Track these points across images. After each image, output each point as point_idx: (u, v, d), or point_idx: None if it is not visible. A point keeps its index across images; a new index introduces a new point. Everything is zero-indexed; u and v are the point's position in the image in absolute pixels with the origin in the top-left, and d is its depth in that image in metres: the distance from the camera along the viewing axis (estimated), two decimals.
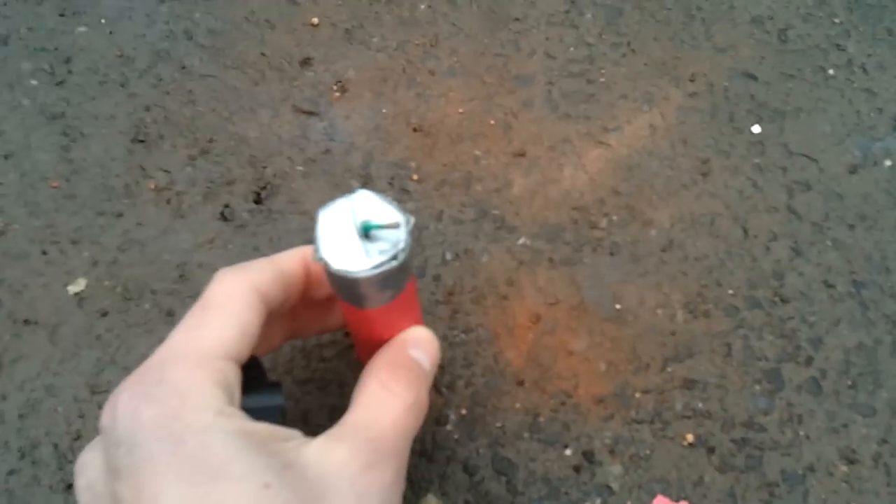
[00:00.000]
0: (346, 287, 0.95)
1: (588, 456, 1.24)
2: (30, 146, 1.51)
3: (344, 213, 0.93)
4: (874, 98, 1.57)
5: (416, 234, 1.36)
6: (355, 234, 0.91)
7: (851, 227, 1.43)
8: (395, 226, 0.91)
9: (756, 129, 1.54)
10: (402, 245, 0.91)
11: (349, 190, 1.14)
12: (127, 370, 1.21)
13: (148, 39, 1.64)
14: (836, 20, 1.68)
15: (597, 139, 1.52)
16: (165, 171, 1.48)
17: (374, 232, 0.92)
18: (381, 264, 0.90)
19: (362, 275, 0.90)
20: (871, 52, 1.63)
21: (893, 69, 1.61)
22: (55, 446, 1.25)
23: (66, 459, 1.24)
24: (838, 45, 1.64)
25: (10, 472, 1.23)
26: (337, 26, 1.65)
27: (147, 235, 1.41)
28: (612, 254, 1.40)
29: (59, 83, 1.58)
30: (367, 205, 0.94)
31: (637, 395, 1.29)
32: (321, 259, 0.90)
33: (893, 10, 1.69)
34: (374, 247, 0.91)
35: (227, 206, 1.44)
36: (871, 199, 1.46)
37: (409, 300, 1.08)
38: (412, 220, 0.93)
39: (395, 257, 0.91)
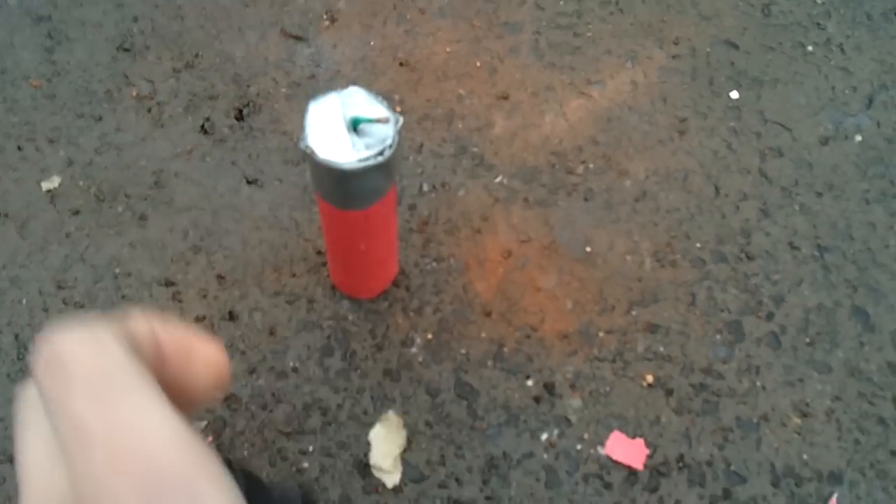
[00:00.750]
0: (329, 181, 0.96)
1: (549, 388, 1.26)
2: (13, 45, 1.49)
3: (334, 107, 0.94)
4: (849, 77, 1.61)
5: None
6: (344, 127, 0.92)
7: (819, 194, 1.46)
8: (384, 121, 0.92)
9: (734, 94, 1.57)
10: (389, 141, 0.92)
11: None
12: (94, 268, 1.22)
13: None
14: (819, 0, 1.71)
15: (579, 90, 1.54)
16: (149, 80, 1.47)
17: (362, 126, 0.93)
18: (368, 158, 0.91)
19: (348, 166, 0.90)
20: (849, 33, 1.67)
21: (870, 51, 1.65)
22: (16, 336, 1.24)
23: (26, 350, 1.23)
24: (818, 24, 1.68)
25: None
26: None
27: (125, 141, 1.41)
28: (586, 199, 1.42)
29: None
30: (357, 101, 0.94)
31: (601, 334, 1.31)
32: (308, 147, 0.90)
33: None
34: (361, 141, 0.92)
35: (208, 119, 1.43)
36: (839, 170, 1.49)
37: (389, 211, 1.09)
38: (401, 119, 0.94)
39: (381, 153, 0.91)
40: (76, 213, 1.33)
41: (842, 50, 1.65)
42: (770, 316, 1.34)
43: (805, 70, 1.61)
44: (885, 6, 1.71)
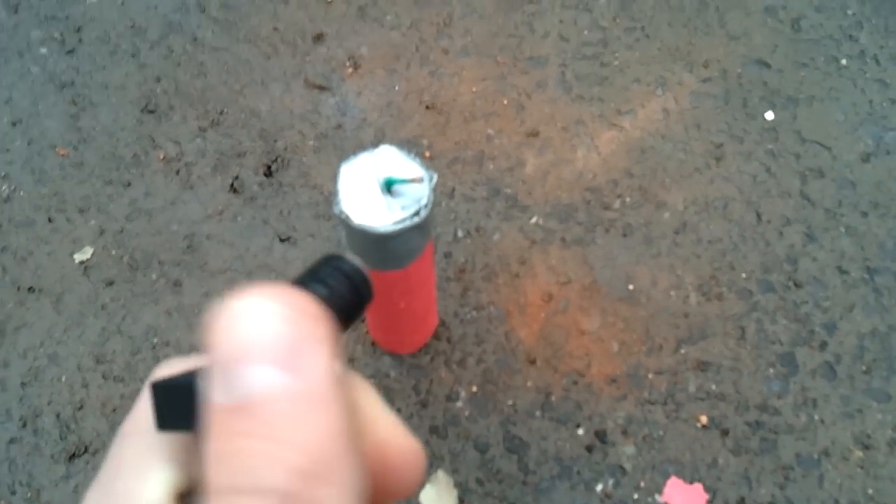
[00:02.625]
0: (366, 244, 0.93)
1: (600, 436, 1.23)
2: (38, 113, 1.49)
3: (366, 169, 0.92)
4: (886, 89, 1.57)
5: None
6: (378, 189, 0.90)
7: (864, 214, 1.42)
8: (419, 181, 0.90)
9: (769, 115, 1.53)
10: (424, 201, 0.90)
11: None
12: (132, 340, 1.20)
13: (160, 11, 1.62)
14: (849, 11, 1.67)
15: (610, 121, 1.51)
16: (175, 141, 1.46)
17: (396, 187, 0.91)
18: (404, 220, 0.89)
19: (384, 230, 0.88)
20: (883, 43, 1.63)
21: None
22: (58, 416, 1.23)
23: (68, 429, 1.21)
24: (851, 36, 1.64)
25: (12, 441, 1.21)
26: (351, 3, 1.64)
27: (155, 205, 1.39)
28: (624, 235, 1.39)
29: (70, 52, 1.56)
30: (390, 160, 0.92)
31: (650, 375, 1.27)
32: (342, 213, 0.88)
33: None
34: (396, 202, 0.89)
35: (236, 178, 1.42)
36: (883, 186, 1.45)
37: (427, 267, 1.07)
38: (435, 176, 0.91)
39: (417, 213, 0.89)
40: (110, 283, 1.32)
41: (877, 61, 1.60)
42: (823, 345, 1.30)
43: (840, 85, 1.57)
44: None
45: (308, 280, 0.29)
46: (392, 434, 0.31)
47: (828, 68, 1.60)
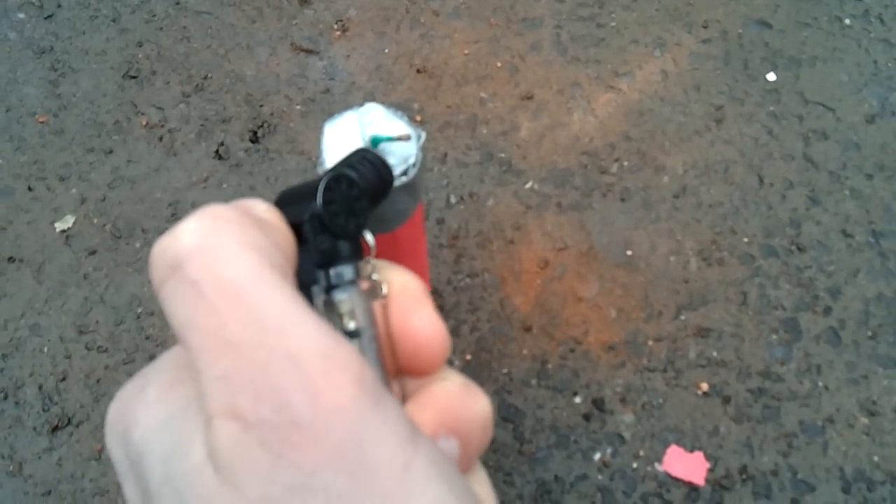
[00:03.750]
0: None
1: (598, 404, 1.19)
2: (17, 80, 1.44)
3: (352, 127, 0.88)
4: (891, 48, 1.52)
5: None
6: (364, 144, 0.86)
7: (869, 176, 1.38)
8: (406, 138, 0.86)
9: (771, 76, 1.49)
10: (412, 160, 0.86)
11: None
12: (115, 310, 1.16)
13: None
14: None
15: (607, 84, 1.46)
16: (158, 107, 1.41)
17: (382, 145, 0.87)
18: (396, 181, 0.85)
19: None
20: (889, 2, 1.58)
21: None
22: (40, 387, 1.19)
23: (50, 401, 1.18)
24: None
25: None
26: None
27: (138, 173, 1.35)
28: (622, 200, 1.34)
29: (48, 17, 1.52)
30: (376, 117, 0.88)
31: (649, 343, 1.23)
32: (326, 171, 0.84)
33: None
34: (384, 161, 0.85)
35: (221, 144, 1.38)
36: (889, 148, 1.41)
37: (417, 231, 1.03)
38: (423, 134, 0.87)
39: (405, 172, 0.85)
40: (93, 252, 1.28)
41: (881, 21, 1.56)
42: (827, 310, 1.26)
43: (844, 45, 1.53)
44: None
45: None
46: (416, 315, 0.32)
47: (831, 28, 1.55)
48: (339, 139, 0.87)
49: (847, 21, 1.56)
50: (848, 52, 1.52)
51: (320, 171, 0.85)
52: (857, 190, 1.37)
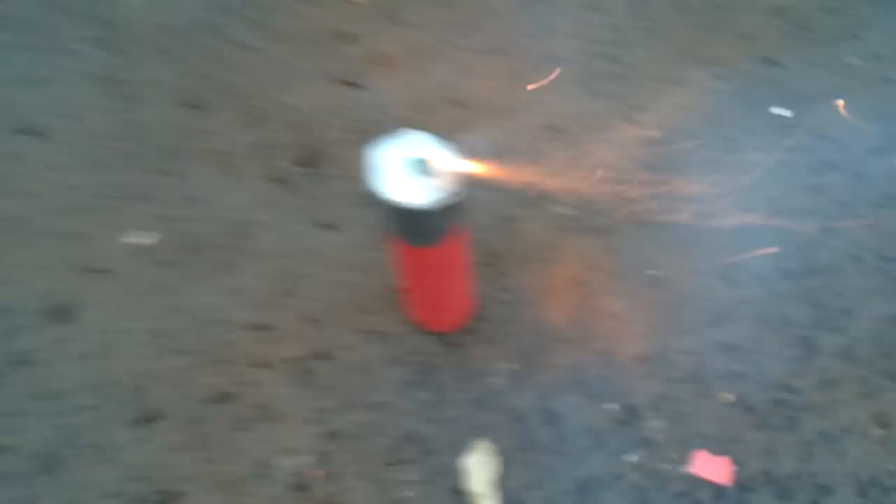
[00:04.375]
0: (401, 221, 0.99)
1: (631, 410, 1.28)
2: (87, 107, 1.55)
3: (400, 151, 0.96)
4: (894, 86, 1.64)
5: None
6: (412, 170, 0.95)
7: (878, 206, 1.49)
8: (451, 164, 0.95)
9: (781, 111, 1.60)
10: (456, 184, 0.95)
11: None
12: (193, 317, 1.27)
13: (195, 9, 1.68)
14: (858, 13, 1.75)
15: (626, 117, 1.58)
16: (218, 135, 1.52)
17: (428, 168, 0.95)
18: (437, 199, 0.94)
19: (419, 207, 0.93)
20: (891, 44, 1.70)
21: None
22: (126, 386, 1.29)
23: (140, 396, 1.28)
24: (856, 36, 1.71)
25: (82, 410, 1.28)
26: (380, 6, 1.71)
27: (204, 195, 1.46)
28: (647, 224, 1.45)
29: (111, 50, 1.63)
30: (423, 144, 0.97)
31: (677, 356, 1.33)
32: (377, 190, 0.93)
33: None
34: (429, 182, 0.94)
35: (278, 169, 1.48)
36: (895, 181, 1.52)
37: (462, 249, 1.12)
38: (466, 161, 0.96)
39: (449, 193, 0.94)
40: (167, 264, 1.39)
41: (884, 59, 1.68)
42: (841, 329, 1.37)
43: (848, 83, 1.64)
44: None
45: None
46: None
47: (836, 67, 1.67)
48: (389, 160, 0.96)
49: (853, 60, 1.68)
50: (853, 90, 1.63)
51: (372, 189, 0.94)
52: (866, 218, 1.48)
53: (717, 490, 1.23)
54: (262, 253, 1.41)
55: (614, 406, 1.29)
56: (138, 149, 1.50)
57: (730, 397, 1.30)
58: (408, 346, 1.33)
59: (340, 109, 1.56)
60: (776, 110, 1.60)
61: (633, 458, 1.25)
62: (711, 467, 1.25)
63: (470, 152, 0.96)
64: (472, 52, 1.66)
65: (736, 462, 1.25)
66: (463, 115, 1.56)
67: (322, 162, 1.50)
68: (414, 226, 1.01)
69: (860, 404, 1.30)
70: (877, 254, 1.44)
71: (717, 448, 1.26)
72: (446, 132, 1.43)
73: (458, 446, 1.25)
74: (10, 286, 1.38)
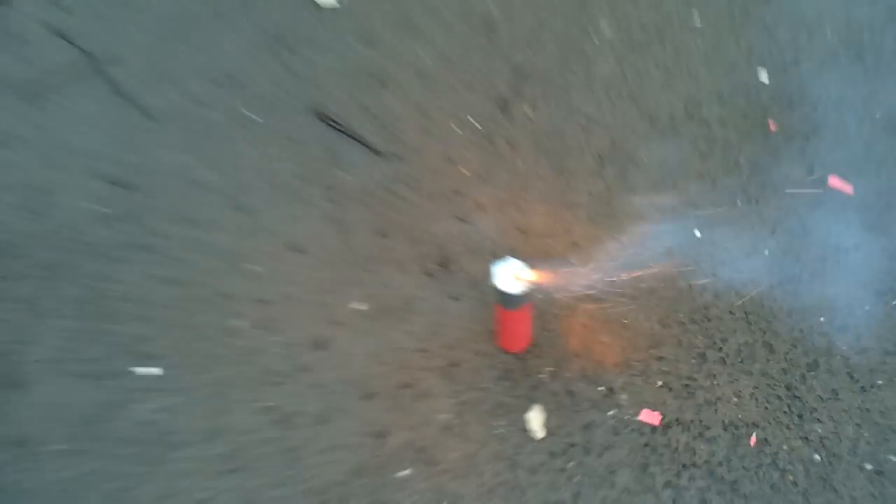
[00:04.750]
0: (503, 299, 2.33)
1: (611, 390, 2.60)
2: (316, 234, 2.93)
3: (506, 267, 2.30)
4: None
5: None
6: (510, 276, 2.29)
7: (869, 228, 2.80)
8: (527, 276, 2.29)
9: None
10: (528, 283, 2.29)
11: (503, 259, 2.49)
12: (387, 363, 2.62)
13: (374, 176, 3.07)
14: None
15: (635, 217, 2.91)
16: (395, 249, 2.89)
17: (517, 276, 2.29)
18: (521, 291, 2.28)
19: (512, 292, 2.28)
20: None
21: None
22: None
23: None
24: None
25: None
26: (478, 174, 3.07)
27: (390, 282, 2.81)
28: (642, 300, 2.77)
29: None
30: (514, 264, 2.31)
31: (650, 367, 2.65)
32: (494, 284, 2.27)
33: None
34: (517, 283, 2.28)
35: (426, 268, 2.83)
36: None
37: (529, 311, 2.47)
38: (534, 274, 2.30)
39: (526, 289, 2.28)
40: (375, 320, 2.74)
41: None
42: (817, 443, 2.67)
43: None
44: None
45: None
46: None
47: None
48: (501, 272, 2.30)
49: None
50: None
51: (492, 282, 2.28)
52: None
53: (652, 428, 2.53)
54: (421, 313, 2.75)
55: (603, 388, 2.60)
56: (356, 261, 2.86)
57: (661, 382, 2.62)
58: (498, 358, 2.66)
59: (456, 237, 2.91)
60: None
61: (612, 412, 2.55)
62: (651, 418, 2.56)
63: (529, 271, 2.30)
64: (533, 201, 3.00)
65: (664, 415, 2.55)
66: (527, 238, 2.90)
67: (451, 264, 2.84)
68: (507, 300, 2.34)
69: None
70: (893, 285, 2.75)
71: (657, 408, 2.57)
72: (513, 250, 2.78)
73: (525, 408, 2.58)
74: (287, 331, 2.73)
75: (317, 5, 3.36)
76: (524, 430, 2.54)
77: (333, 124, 3.10)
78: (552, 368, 2.65)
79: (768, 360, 2.67)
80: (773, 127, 3.11)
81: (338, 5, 3.36)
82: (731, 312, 2.76)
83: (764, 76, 3.22)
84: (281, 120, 3.13)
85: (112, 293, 2.76)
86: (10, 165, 3.03)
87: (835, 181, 2.96)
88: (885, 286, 2.79)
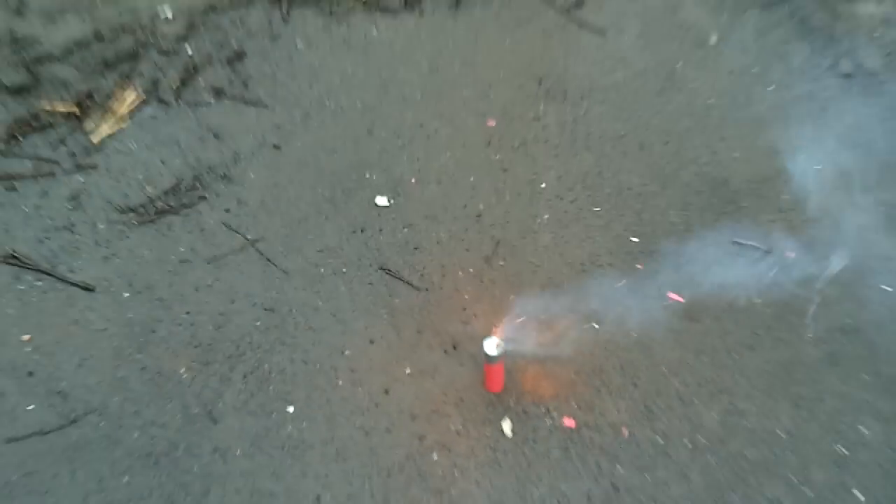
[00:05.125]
0: (488, 358, 4.55)
1: (548, 409, 4.74)
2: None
3: (490, 341, 4.53)
4: None
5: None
6: (492, 345, 4.51)
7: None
8: (501, 347, 4.51)
9: None
10: (503, 352, 4.51)
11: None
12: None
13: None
14: None
15: (586, 318, 5.13)
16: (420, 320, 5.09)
17: (497, 345, 4.52)
18: (498, 353, 4.50)
19: (493, 354, 4.50)
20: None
21: None
22: None
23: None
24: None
25: None
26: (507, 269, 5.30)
27: (428, 367, 5.01)
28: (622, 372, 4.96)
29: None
30: (495, 340, 4.54)
31: (606, 399, 4.81)
32: (485, 353, 4.49)
33: None
34: (497, 350, 4.51)
35: (437, 348, 5.03)
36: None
37: (502, 367, 4.69)
38: (504, 346, 4.53)
39: (501, 353, 4.50)
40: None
41: None
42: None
43: None
44: None
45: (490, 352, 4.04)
46: None
47: None
48: (487, 344, 4.51)
49: None
50: None
51: (484, 350, 4.49)
52: None
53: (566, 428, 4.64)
54: (441, 374, 4.93)
55: (543, 408, 4.72)
56: (404, 346, 5.06)
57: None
58: (486, 395, 4.79)
59: (463, 332, 5.10)
60: None
61: (549, 421, 4.67)
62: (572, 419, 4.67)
63: (500, 344, 4.52)
64: (506, 311, 5.21)
65: (580, 413, 4.68)
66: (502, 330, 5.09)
67: (459, 346, 5.00)
68: (490, 359, 4.53)
69: None
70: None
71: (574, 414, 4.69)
72: (497, 335, 5.03)
73: (501, 419, 4.70)
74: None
75: (377, 206, 5.73)
76: (501, 432, 4.56)
77: (390, 273, 5.39)
78: (515, 399, 4.79)
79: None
80: None
81: (388, 204, 5.73)
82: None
83: None
84: (358, 271, 5.43)
85: (274, 373, 4.99)
86: (245, 302, 5.34)
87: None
88: None
